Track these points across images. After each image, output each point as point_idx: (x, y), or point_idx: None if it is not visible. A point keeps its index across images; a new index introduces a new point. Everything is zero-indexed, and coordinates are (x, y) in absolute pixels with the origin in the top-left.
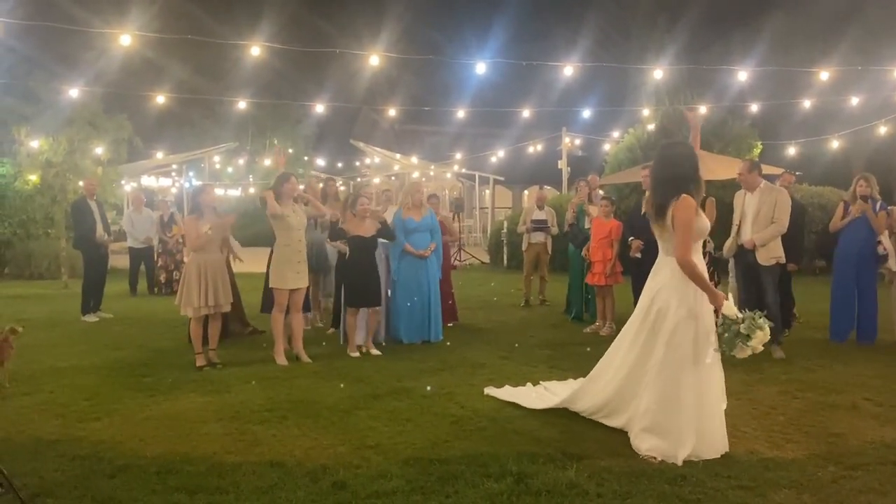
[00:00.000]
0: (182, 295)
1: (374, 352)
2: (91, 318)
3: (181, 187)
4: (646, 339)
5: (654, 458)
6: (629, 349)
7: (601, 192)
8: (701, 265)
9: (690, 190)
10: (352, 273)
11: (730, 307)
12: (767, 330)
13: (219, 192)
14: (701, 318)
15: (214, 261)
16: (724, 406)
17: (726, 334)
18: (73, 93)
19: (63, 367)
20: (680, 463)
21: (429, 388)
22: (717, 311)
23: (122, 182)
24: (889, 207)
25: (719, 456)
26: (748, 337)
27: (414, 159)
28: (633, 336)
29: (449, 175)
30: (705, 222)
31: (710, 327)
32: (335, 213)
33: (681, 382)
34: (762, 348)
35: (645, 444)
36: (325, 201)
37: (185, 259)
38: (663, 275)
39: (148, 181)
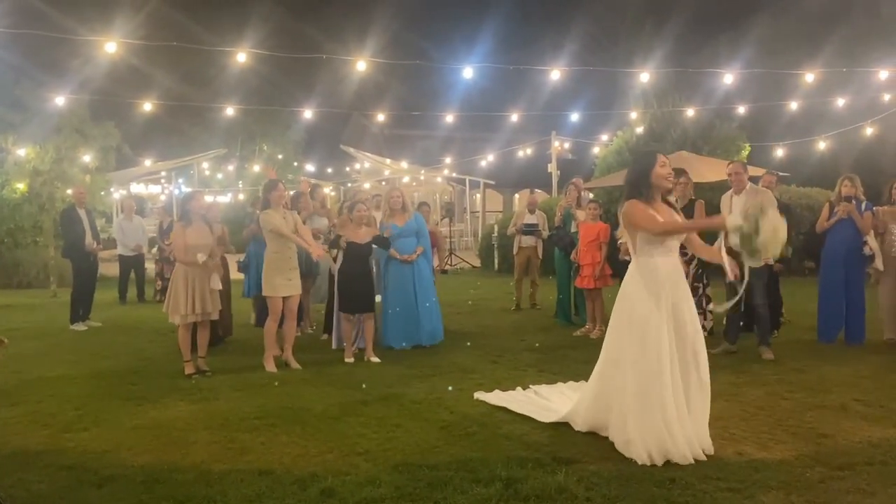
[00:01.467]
0: (169, 302)
1: (374, 359)
2: (80, 326)
3: (171, 194)
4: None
5: (634, 459)
6: (607, 357)
7: (590, 195)
8: (668, 264)
9: (638, 195)
10: (346, 279)
11: (733, 219)
12: (772, 214)
13: (208, 198)
14: (658, 313)
15: (203, 269)
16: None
17: (741, 244)
18: (60, 101)
19: (51, 377)
20: (650, 463)
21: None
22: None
23: (112, 190)
24: (874, 208)
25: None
26: (757, 230)
27: (404, 164)
28: (610, 343)
29: (439, 179)
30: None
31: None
32: (321, 252)
33: (630, 381)
34: (783, 233)
35: (626, 447)
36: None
37: None
38: (625, 278)
39: (137, 188)
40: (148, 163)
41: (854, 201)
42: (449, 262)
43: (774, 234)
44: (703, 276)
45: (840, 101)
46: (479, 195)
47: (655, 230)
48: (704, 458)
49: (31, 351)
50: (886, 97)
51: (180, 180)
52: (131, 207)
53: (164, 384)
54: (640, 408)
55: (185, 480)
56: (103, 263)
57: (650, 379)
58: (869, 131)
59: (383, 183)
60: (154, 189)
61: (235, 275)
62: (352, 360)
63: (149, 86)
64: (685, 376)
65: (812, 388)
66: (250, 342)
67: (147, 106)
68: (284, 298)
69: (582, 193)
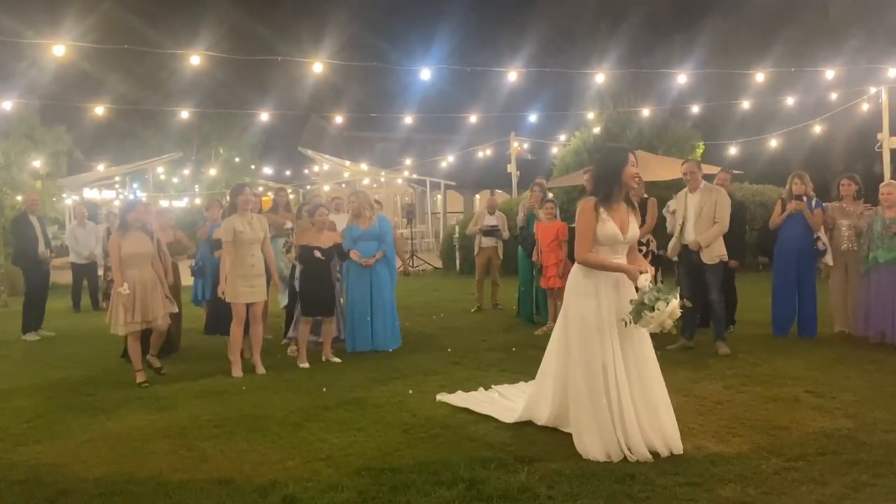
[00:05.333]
0: (111, 314)
1: (335, 359)
2: (32, 336)
3: (125, 199)
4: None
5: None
6: (557, 356)
7: (549, 195)
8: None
9: (597, 193)
10: (308, 283)
11: (644, 280)
12: (674, 303)
13: (163, 203)
14: (598, 313)
15: (145, 276)
16: (629, 410)
17: (635, 305)
18: (7, 105)
19: (1, 389)
20: (590, 457)
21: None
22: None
23: (64, 196)
24: (824, 204)
25: (630, 459)
26: (651, 308)
27: (364, 166)
28: (557, 342)
29: (400, 181)
30: (611, 229)
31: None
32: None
33: (577, 381)
34: (670, 323)
35: (579, 445)
36: (277, 211)
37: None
38: (569, 277)
39: (91, 194)
40: (101, 168)
41: (805, 199)
42: (411, 264)
43: (659, 323)
44: (657, 273)
45: (790, 101)
46: (439, 196)
47: (579, 253)
48: (666, 452)
49: None
50: (833, 96)
51: (135, 185)
52: (83, 214)
53: (119, 394)
54: (590, 407)
55: (142, 492)
56: (55, 271)
57: (595, 378)
58: (817, 129)
59: (343, 185)
60: (108, 194)
61: (187, 280)
62: (307, 364)
63: (101, 89)
64: (630, 375)
65: (767, 381)
66: (205, 349)
67: (99, 110)
68: (249, 304)
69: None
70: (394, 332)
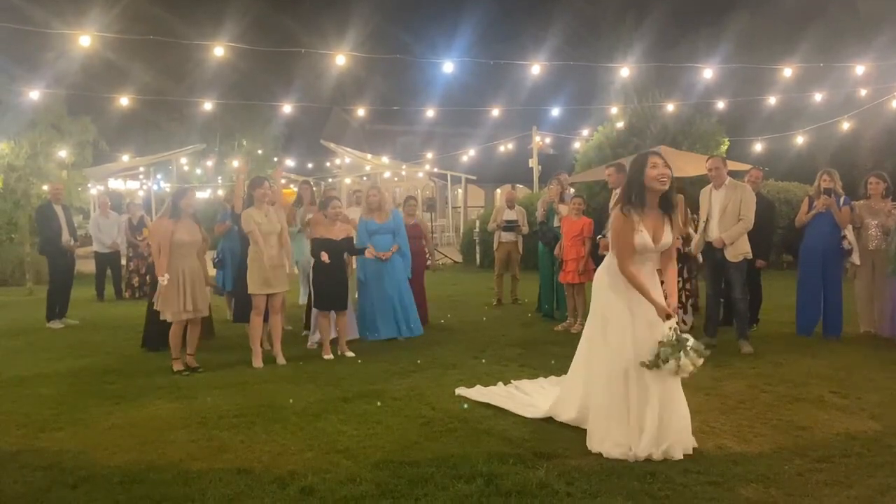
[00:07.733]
0: (160, 299)
1: (349, 354)
2: (56, 324)
3: (149, 190)
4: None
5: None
6: (587, 354)
7: (572, 189)
8: (648, 277)
9: (629, 201)
10: (320, 276)
11: (665, 328)
12: (685, 361)
13: None
14: (609, 320)
15: (193, 266)
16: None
17: (651, 358)
18: (35, 95)
19: (26, 376)
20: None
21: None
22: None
23: (89, 185)
24: (852, 202)
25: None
26: (666, 361)
27: (385, 159)
28: (587, 339)
29: (421, 174)
30: (641, 239)
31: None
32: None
33: (600, 376)
34: (689, 370)
35: (598, 444)
36: (301, 205)
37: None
38: (595, 274)
39: (115, 184)
40: (125, 158)
41: (833, 195)
42: (431, 258)
43: (675, 372)
44: (682, 270)
45: (817, 97)
46: (460, 190)
47: (623, 266)
48: (679, 457)
49: (6, 349)
50: (863, 92)
51: (159, 176)
52: (106, 203)
53: (141, 383)
54: (606, 404)
55: (162, 480)
56: (80, 260)
57: (613, 376)
58: (845, 126)
59: (364, 178)
60: (132, 185)
61: (210, 271)
62: (331, 356)
63: (126, 80)
64: (645, 377)
65: (790, 381)
66: (228, 339)
67: (124, 101)
68: (269, 295)
69: (566, 188)
70: (413, 320)
